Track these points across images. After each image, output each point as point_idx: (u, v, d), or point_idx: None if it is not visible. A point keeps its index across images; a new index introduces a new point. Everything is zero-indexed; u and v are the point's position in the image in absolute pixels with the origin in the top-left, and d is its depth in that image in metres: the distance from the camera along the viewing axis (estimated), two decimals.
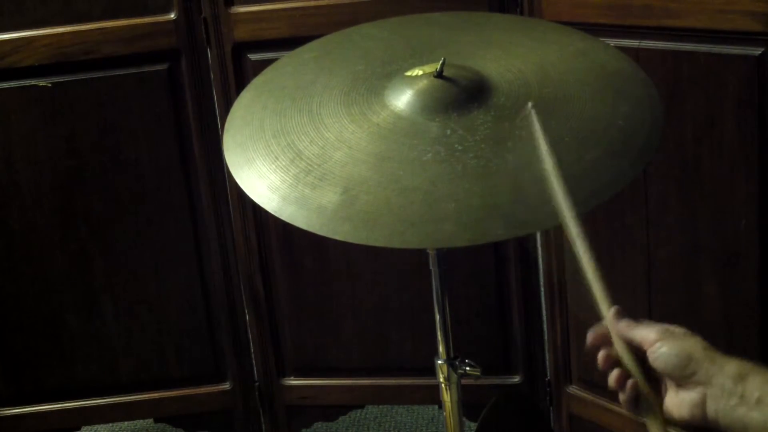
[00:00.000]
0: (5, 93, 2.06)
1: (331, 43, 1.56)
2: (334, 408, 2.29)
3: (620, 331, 1.09)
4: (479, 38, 1.50)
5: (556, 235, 1.99)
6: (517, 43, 1.48)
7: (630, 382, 1.07)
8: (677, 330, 1.07)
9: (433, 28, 1.56)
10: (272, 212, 1.25)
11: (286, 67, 1.52)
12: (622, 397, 1.09)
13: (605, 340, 1.10)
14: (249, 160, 1.32)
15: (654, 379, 1.08)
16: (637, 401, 1.07)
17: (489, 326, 2.14)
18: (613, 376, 1.08)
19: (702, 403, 1.04)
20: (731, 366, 1.03)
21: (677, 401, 1.06)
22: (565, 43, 1.48)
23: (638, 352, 1.08)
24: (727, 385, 1.03)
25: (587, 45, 1.48)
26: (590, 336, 1.11)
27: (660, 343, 1.05)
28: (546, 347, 2.14)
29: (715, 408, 1.03)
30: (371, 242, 1.18)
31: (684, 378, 1.05)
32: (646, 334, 1.07)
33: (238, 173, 1.32)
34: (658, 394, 1.08)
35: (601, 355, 1.10)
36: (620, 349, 1.08)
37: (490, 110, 1.31)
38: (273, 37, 1.99)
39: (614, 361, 1.09)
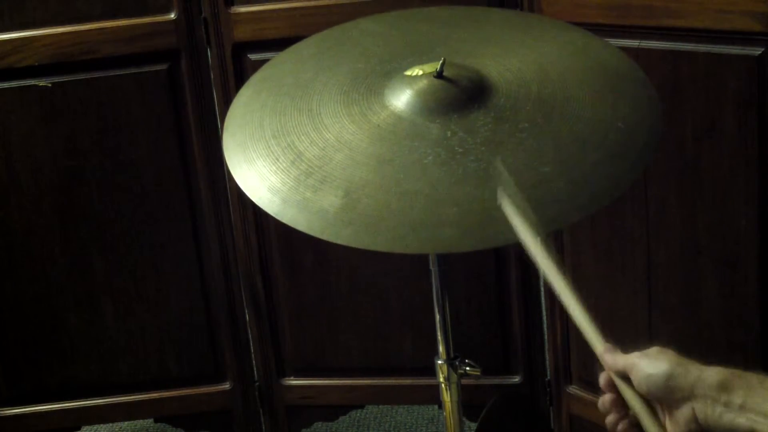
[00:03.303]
0: (5, 93, 2.06)
1: (329, 40, 1.55)
2: (334, 408, 2.29)
3: (610, 366, 1.09)
4: (478, 35, 1.49)
5: (556, 234, 1.99)
6: (516, 40, 1.47)
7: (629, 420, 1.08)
8: (652, 349, 1.07)
9: (431, 25, 1.55)
10: (273, 215, 1.24)
11: (284, 64, 1.51)
12: None
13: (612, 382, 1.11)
14: (249, 160, 1.32)
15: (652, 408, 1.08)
16: None
17: (489, 326, 2.14)
18: (621, 425, 1.09)
19: (694, 418, 1.04)
20: (710, 375, 1.04)
21: (673, 422, 1.06)
22: (565, 41, 1.48)
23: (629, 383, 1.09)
24: (709, 394, 1.03)
25: (587, 43, 1.48)
26: (601, 380, 1.12)
27: (639, 366, 1.06)
28: (546, 347, 2.14)
29: (705, 418, 1.04)
30: (373, 247, 1.18)
31: (669, 395, 1.05)
32: (627, 360, 1.08)
33: (239, 174, 1.32)
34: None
35: (603, 399, 1.11)
36: (621, 387, 1.09)
37: (490, 111, 1.31)
38: (273, 37, 1.99)
39: (616, 403, 1.10)
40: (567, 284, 1.13)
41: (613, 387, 1.11)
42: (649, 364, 1.06)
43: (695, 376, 1.04)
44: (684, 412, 1.05)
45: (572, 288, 1.13)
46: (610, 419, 1.11)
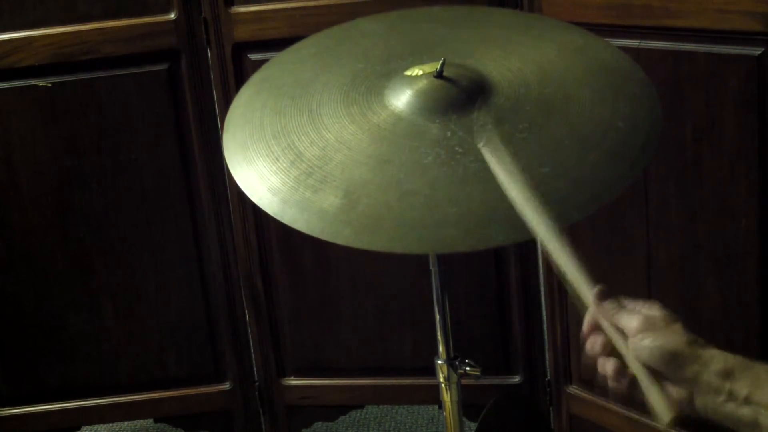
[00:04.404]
0: (5, 93, 2.06)
1: (329, 39, 1.55)
2: (334, 408, 2.29)
3: (604, 314, 1.07)
4: (478, 35, 1.49)
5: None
6: (516, 40, 1.47)
7: (620, 368, 1.06)
8: (658, 319, 1.04)
9: (431, 24, 1.55)
10: (273, 215, 1.24)
11: (284, 63, 1.51)
12: (613, 384, 1.07)
13: (598, 327, 1.08)
14: (249, 160, 1.32)
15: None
16: (632, 387, 1.05)
17: (489, 326, 2.14)
18: (610, 363, 1.06)
19: (690, 399, 1.03)
20: (717, 362, 1.02)
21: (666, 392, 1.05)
22: (565, 40, 1.48)
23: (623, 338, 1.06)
24: (713, 382, 1.01)
25: (587, 42, 1.47)
26: (585, 322, 1.09)
27: (642, 335, 1.03)
28: (546, 347, 2.14)
29: (704, 404, 1.02)
30: (373, 247, 1.18)
31: (669, 372, 1.03)
32: (628, 322, 1.05)
33: (239, 174, 1.32)
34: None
35: (591, 340, 1.08)
36: (610, 333, 1.06)
37: (490, 111, 1.31)
38: (273, 37, 1.99)
39: (607, 347, 1.07)
40: (553, 232, 1.11)
41: (598, 330, 1.07)
42: (656, 337, 1.02)
43: (701, 362, 1.01)
44: (680, 392, 1.03)
45: (559, 236, 1.10)
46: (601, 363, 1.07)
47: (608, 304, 1.07)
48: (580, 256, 1.10)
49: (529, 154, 1.24)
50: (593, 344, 1.08)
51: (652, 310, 1.06)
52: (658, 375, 1.04)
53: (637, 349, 1.03)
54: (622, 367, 1.06)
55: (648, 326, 1.04)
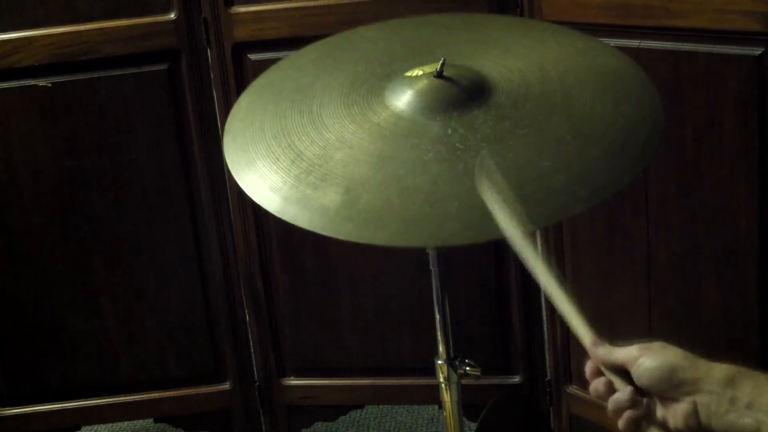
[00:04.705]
0: (5, 93, 2.06)
1: (329, 46, 1.56)
2: (334, 408, 2.29)
3: (602, 358, 1.09)
4: (478, 38, 1.50)
5: (556, 233, 1.99)
6: (517, 43, 1.48)
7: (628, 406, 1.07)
8: (655, 344, 1.07)
9: (432, 29, 1.56)
10: (274, 213, 1.25)
11: (285, 69, 1.52)
12: (622, 423, 1.08)
13: (599, 371, 1.10)
14: (250, 161, 1.32)
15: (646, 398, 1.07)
16: (637, 424, 1.07)
17: (489, 326, 2.14)
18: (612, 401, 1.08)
19: (694, 412, 1.03)
20: (718, 371, 1.03)
21: (670, 414, 1.05)
22: (565, 43, 1.48)
23: (624, 375, 1.08)
24: (716, 390, 1.02)
25: (586, 45, 1.48)
26: (587, 370, 1.11)
27: (642, 359, 1.05)
28: (546, 347, 2.14)
29: (707, 414, 1.03)
30: (374, 241, 1.18)
31: (672, 389, 1.04)
32: (626, 353, 1.07)
33: (239, 175, 1.32)
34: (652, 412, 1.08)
35: (597, 383, 1.10)
36: (611, 376, 1.09)
37: (490, 109, 1.32)
38: (273, 37, 1.99)
39: (611, 388, 1.09)
40: (552, 276, 1.12)
41: (600, 375, 1.10)
42: (654, 357, 1.05)
43: (702, 371, 1.03)
44: (685, 407, 1.04)
45: (558, 280, 1.12)
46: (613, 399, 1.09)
47: (603, 349, 1.09)
48: (579, 306, 1.12)
49: (530, 148, 1.25)
50: (597, 387, 1.10)
51: (648, 342, 1.08)
52: (657, 401, 1.06)
53: (638, 373, 1.05)
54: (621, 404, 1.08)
55: (646, 350, 1.06)
